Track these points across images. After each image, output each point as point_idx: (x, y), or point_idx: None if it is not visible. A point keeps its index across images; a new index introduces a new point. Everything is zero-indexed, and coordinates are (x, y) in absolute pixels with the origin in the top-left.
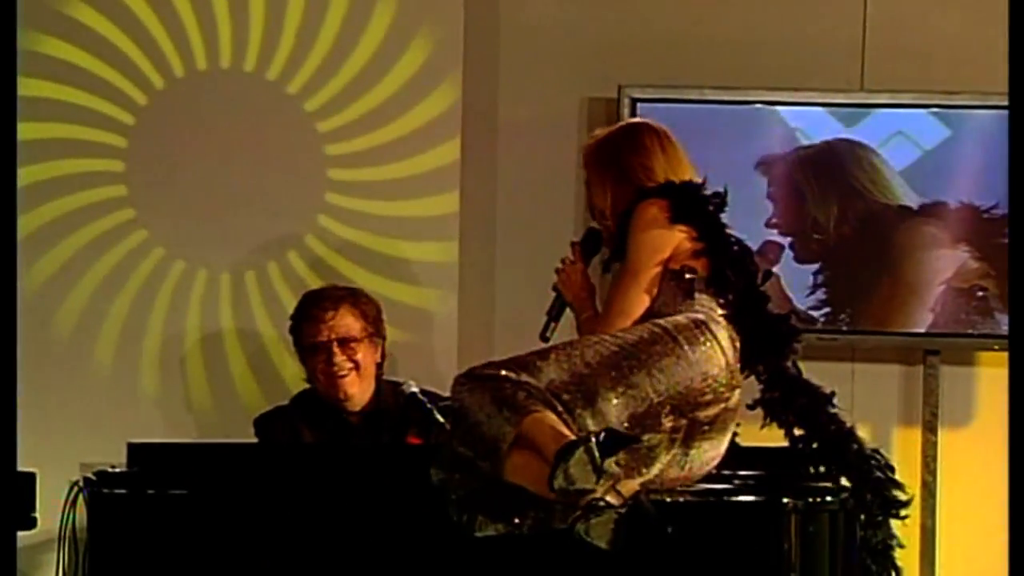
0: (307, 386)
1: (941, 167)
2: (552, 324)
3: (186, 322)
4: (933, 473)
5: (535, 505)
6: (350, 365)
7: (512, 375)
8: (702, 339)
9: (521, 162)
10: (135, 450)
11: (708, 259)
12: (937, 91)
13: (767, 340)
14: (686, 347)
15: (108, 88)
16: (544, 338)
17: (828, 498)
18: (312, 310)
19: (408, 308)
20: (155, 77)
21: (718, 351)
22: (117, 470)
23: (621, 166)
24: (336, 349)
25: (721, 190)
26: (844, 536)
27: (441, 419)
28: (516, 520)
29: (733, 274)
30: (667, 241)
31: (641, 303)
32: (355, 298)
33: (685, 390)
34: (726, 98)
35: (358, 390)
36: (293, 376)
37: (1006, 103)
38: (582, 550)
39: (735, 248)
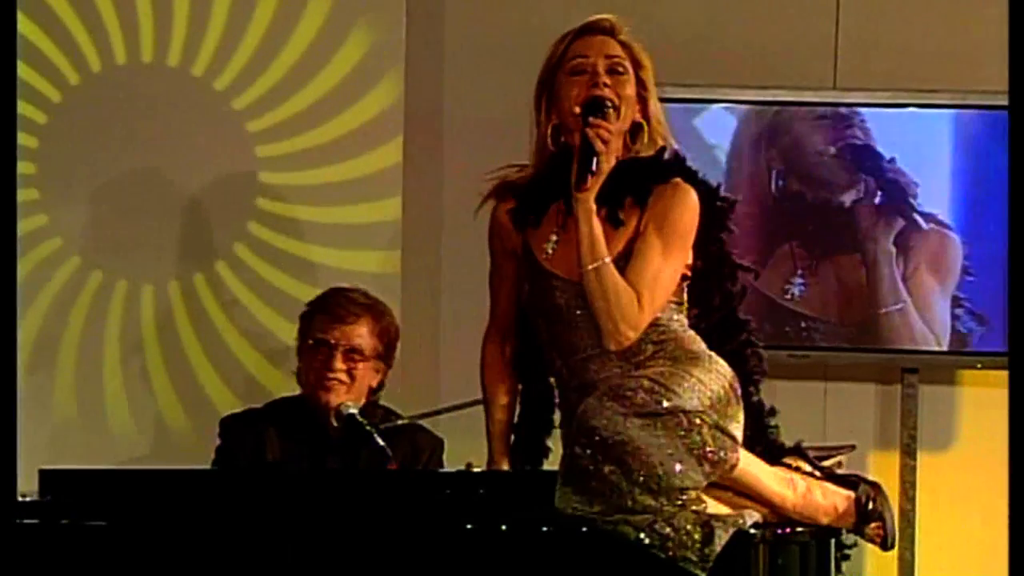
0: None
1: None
2: (590, 177)
3: (104, 338)
4: (912, 500)
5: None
6: (345, 377)
7: (703, 418)
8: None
9: (468, 165)
10: (48, 477)
11: (696, 276)
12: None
13: (736, 369)
14: (742, 417)
15: (17, 83)
16: (580, 188)
17: (799, 529)
18: (334, 307)
19: None
20: (69, 71)
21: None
22: (28, 499)
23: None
24: (339, 355)
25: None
26: (815, 568)
27: (381, 443)
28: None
29: (717, 299)
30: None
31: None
32: (379, 314)
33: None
34: (685, 96)
35: (341, 404)
36: (221, 398)
37: (984, 103)
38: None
39: (727, 269)
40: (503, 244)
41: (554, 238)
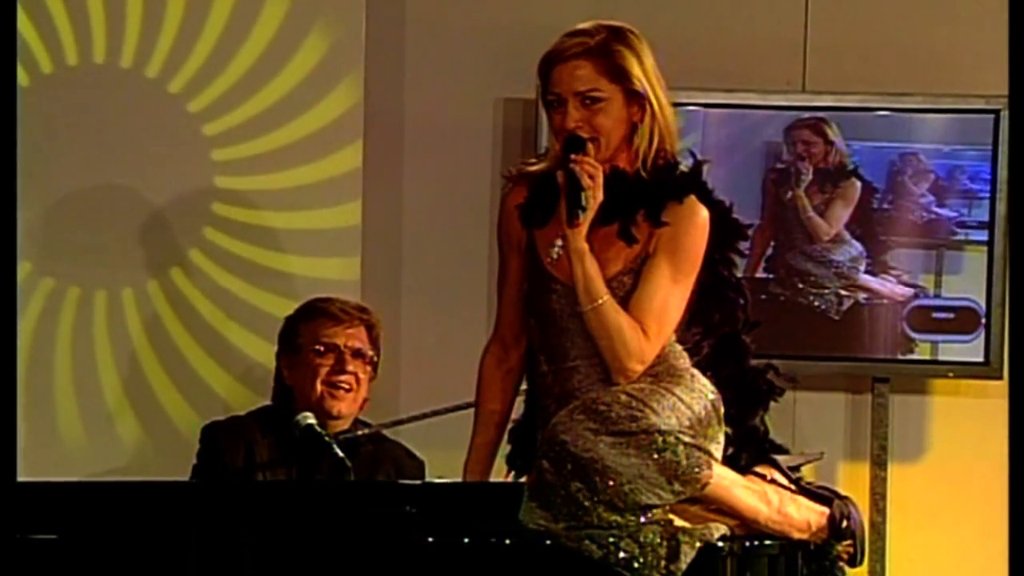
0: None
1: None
2: (580, 214)
3: (55, 346)
4: (882, 513)
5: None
6: (354, 382)
7: (679, 438)
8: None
9: (429, 169)
10: None
11: (699, 295)
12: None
13: (741, 394)
14: (722, 437)
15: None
16: (572, 224)
17: (767, 541)
18: (333, 309)
19: None
20: (20, 73)
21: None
22: None
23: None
24: (348, 358)
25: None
26: None
27: (341, 454)
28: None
29: (720, 317)
30: None
31: None
32: (372, 319)
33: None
34: None
35: (348, 412)
36: (176, 408)
37: (958, 107)
38: None
39: (732, 291)
40: (510, 237)
41: (559, 242)
